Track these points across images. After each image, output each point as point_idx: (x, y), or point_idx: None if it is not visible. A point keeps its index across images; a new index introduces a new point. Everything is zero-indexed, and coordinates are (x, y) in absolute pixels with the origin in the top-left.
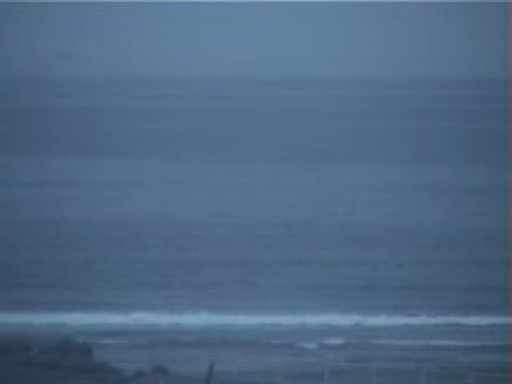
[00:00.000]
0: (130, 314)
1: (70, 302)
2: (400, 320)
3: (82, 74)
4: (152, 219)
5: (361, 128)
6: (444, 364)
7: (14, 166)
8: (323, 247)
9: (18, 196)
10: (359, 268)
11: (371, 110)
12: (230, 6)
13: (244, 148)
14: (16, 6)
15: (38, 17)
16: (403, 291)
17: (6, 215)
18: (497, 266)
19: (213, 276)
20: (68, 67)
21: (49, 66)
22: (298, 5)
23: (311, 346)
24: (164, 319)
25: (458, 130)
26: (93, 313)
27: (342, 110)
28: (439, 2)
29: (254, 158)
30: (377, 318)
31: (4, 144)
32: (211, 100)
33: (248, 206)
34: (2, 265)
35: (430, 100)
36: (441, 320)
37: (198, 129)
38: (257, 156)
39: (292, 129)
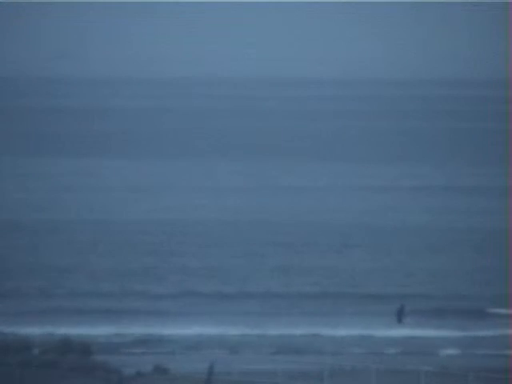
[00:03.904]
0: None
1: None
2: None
3: (83, 73)
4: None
5: (360, 128)
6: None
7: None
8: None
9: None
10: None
11: (371, 110)
12: (230, 6)
13: (248, 147)
14: (16, 5)
15: (38, 17)
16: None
17: None
18: (495, 272)
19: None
20: (68, 67)
21: (49, 65)
22: (298, 5)
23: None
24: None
25: (458, 131)
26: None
27: (342, 110)
28: (439, 2)
29: (253, 158)
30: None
31: (4, 144)
32: (211, 100)
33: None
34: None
35: (430, 100)
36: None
37: (199, 128)
38: (256, 155)
39: (290, 128)
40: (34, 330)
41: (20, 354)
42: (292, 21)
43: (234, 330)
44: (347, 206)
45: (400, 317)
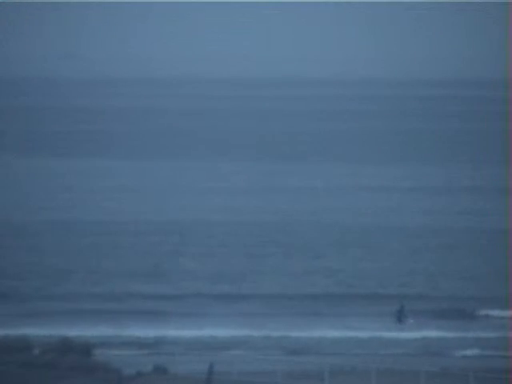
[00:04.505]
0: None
1: None
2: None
3: (83, 73)
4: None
5: (359, 128)
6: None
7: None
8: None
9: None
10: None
11: (371, 110)
12: (230, 6)
13: (244, 148)
14: (16, 5)
15: (38, 17)
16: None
17: None
18: (495, 272)
19: None
20: (68, 67)
21: (49, 65)
22: (298, 5)
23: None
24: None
25: (458, 131)
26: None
27: (341, 110)
28: (439, 2)
29: (253, 158)
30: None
31: (3, 144)
32: (211, 100)
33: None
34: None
35: (430, 100)
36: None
37: (199, 128)
38: (254, 156)
39: (289, 128)
40: (34, 331)
41: (20, 354)
42: (292, 21)
43: (234, 331)
44: (347, 206)
45: (400, 317)
